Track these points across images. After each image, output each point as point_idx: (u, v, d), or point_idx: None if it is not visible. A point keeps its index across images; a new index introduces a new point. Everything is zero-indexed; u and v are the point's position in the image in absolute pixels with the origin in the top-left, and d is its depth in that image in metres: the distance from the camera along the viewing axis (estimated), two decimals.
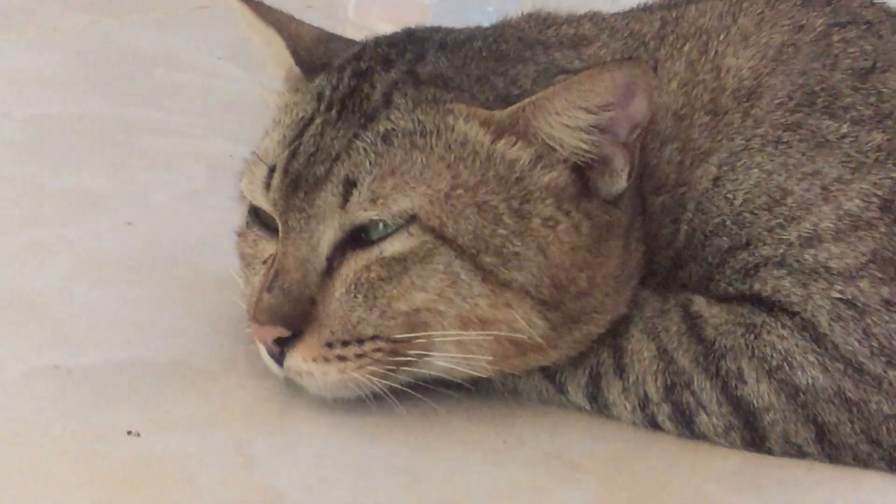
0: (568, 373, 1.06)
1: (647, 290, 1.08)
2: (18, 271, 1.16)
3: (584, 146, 1.01)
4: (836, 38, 1.11)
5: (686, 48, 1.12)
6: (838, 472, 1.03)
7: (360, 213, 0.99)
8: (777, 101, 1.08)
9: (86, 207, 1.27)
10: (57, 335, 1.09)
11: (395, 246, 0.99)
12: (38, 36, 1.64)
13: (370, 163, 0.99)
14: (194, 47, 1.65)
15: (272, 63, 1.12)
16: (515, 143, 1.01)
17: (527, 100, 1.00)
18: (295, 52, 1.10)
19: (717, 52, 1.11)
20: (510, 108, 1.00)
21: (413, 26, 1.13)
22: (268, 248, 1.03)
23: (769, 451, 1.04)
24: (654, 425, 1.05)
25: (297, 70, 1.10)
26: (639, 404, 1.05)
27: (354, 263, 0.99)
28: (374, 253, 0.99)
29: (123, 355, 1.08)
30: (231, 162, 1.09)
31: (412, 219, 0.98)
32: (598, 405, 1.06)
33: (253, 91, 1.15)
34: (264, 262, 1.03)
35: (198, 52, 1.62)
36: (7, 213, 1.25)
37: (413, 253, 0.99)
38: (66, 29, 1.66)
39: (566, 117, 1.00)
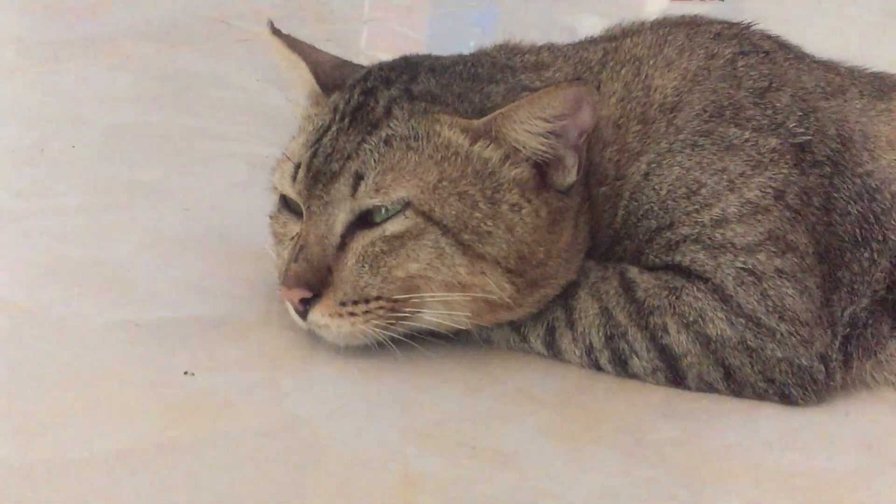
0: (530, 326, 1.07)
1: (591, 261, 1.09)
2: (100, 246, 1.18)
3: (542, 148, 1.02)
4: (740, 63, 1.12)
5: (623, 71, 1.13)
6: (741, 404, 1.05)
7: (367, 200, 1.00)
8: (694, 113, 1.09)
9: (152, 196, 1.29)
10: (129, 296, 1.10)
11: (394, 226, 1.00)
12: (116, 62, 1.64)
13: (374, 161, 1.01)
14: (238, 71, 1.65)
15: (298, 83, 1.12)
16: (488, 146, 1.02)
17: (497, 111, 1.01)
18: (316, 75, 1.11)
19: (647, 75, 1.12)
20: (484, 118, 1.02)
21: (409, 54, 1.14)
22: (294, 228, 1.04)
23: (687, 388, 1.05)
24: (597, 367, 1.06)
25: (317, 89, 1.10)
26: (585, 351, 1.06)
27: (362, 240, 1.01)
28: (377, 232, 1.00)
29: (182, 312, 1.09)
30: (266, 161, 1.10)
31: (407, 205, 1.00)
32: (553, 351, 1.07)
33: (283, 105, 1.15)
34: (291, 239, 1.04)
35: (241, 75, 1.63)
36: (91, 199, 1.27)
37: (408, 232, 1.00)
38: (138, 56, 1.67)
39: (528, 125, 1.01)
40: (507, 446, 0.96)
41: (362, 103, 1.04)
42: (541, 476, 0.93)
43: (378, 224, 1.00)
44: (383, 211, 1.00)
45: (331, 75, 1.10)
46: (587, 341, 1.06)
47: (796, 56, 1.17)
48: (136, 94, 1.54)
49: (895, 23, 2.43)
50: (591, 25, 1.23)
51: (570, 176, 1.04)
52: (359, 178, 1.00)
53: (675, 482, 0.94)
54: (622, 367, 1.05)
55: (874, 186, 1.08)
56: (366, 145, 1.01)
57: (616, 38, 1.18)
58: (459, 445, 0.95)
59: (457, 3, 2.32)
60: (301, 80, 1.12)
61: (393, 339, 1.02)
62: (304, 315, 1.01)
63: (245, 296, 1.12)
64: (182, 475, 0.88)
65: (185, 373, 0.99)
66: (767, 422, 1.03)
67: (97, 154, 1.37)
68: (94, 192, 1.28)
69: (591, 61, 1.14)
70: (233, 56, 1.69)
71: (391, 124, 1.02)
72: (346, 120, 1.03)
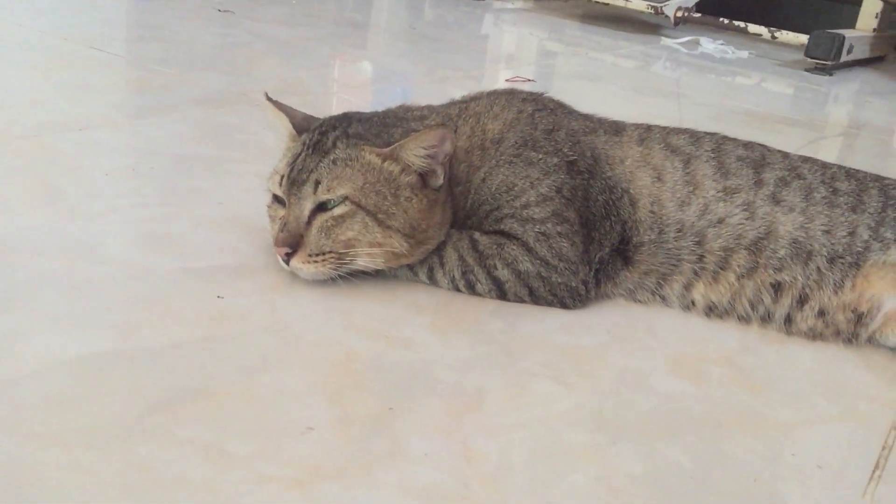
0: (418, 266, 1.08)
1: (454, 229, 1.10)
2: (168, 225, 1.17)
3: (423, 164, 1.04)
4: (537, 115, 1.14)
5: (470, 121, 1.14)
6: (539, 308, 1.08)
7: (322, 195, 1.01)
8: (510, 144, 1.11)
9: (199, 196, 1.27)
10: (184, 253, 1.09)
11: (338, 210, 1.01)
12: (179, 118, 1.63)
13: (326, 173, 1.01)
14: (252, 123, 1.64)
15: (283, 129, 1.12)
16: (392, 164, 1.03)
17: (397, 143, 1.03)
18: (293, 124, 1.10)
19: (484, 123, 1.13)
20: (390, 147, 1.03)
21: (347, 111, 1.14)
22: (281, 212, 1.04)
23: (508, 301, 1.08)
24: (457, 290, 1.08)
25: (294, 132, 1.10)
26: (450, 280, 1.08)
27: (320, 219, 1.01)
28: (328, 214, 1.01)
29: (216, 262, 1.09)
30: (266, 174, 1.10)
31: (346, 198, 1.01)
32: (432, 281, 1.09)
33: (275, 142, 1.16)
34: (280, 219, 1.04)
35: (253, 125, 1.62)
36: (164, 198, 1.26)
37: (347, 213, 1.01)
38: (192, 115, 1.66)
39: (415, 151, 1.03)
40: (406, 335, 0.98)
41: (319, 140, 1.05)
42: (424, 351, 0.96)
43: (329, 209, 1.01)
44: (332, 202, 1.01)
45: (301, 124, 1.11)
46: (451, 274, 1.08)
47: (569, 111, 1.20)
48: (190, 137, 1.53)
49: (637, 96, 2.48)
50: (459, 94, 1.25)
51: (440, 181, 1.06)
52: (317, 183, 1.01)
53: (501, 354, 0.97)
54: (471, 289, 1.08)
55: (611, 185, 1.11)
56: (321, 164, 1.02)
57: (466, 102, 1.19)
58: (378, 335, 0.97)
59: (387, 83, 2.33)
60: (285, 127, 1.12)
61: (340, 276, 1.03)
62: (287, 262, 1.02)
63: (254, 252, 1.11)
64: (216, 355, 0.89)
65: (218, 296, 1.00)
66: (553, 319, 1.06)
67: (168, 172, 1.36)
68: (165, 194, 1.27)
69: (452, 115, 1.15)
70: (248, 114, 1.68)
71: (336, 152, 1.03)
72: (310, 149, 1.04)
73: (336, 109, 1.16)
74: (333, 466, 0.75)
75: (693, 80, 2.90)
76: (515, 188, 1.08)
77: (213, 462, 0.73)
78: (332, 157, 1.02)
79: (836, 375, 1.03)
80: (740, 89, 2.88)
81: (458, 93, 1.26)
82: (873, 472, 0.85)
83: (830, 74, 3.13)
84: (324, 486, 0.72)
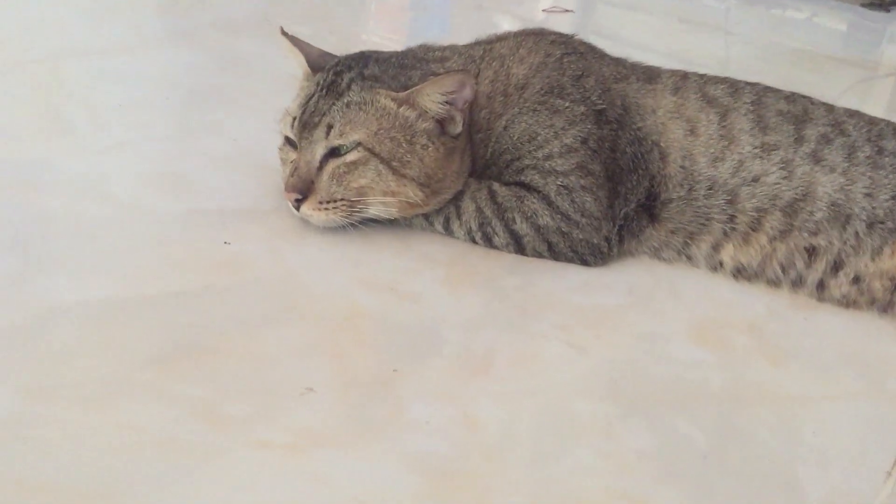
0: (434, 216, 1.05)
1: (472, 179, 1.06)
2: (177, 162, 1.15)
3: (441, 110, 0.99)
4: (565, 59, 1.08)
5: (494, 64, 1.08)
6: (557, 265, 1.04)
7: (335, 140, 0.98)
8: (535, 90, 1.06)
9: (213, 130, 1.24)
10: (193, 194, 1.07)
11: (351, 157, 0.98)
12: (197, 45, 1.59)
13: (340, 116, 0.98)
14: (273, 52, 1.58)
15: (298, 66, 1.08)
16: (409, 109, 0.99)
17: (414, 87, 0.98)
18: (308, 62, 1.06)
19: (508, 66, 1.08)
20: (407, 92, 0.99)
21: (365, 50, 1.09)
22: (292, 155, 1.01)
23: (526, 256, 1.04)
24: (474, 242, 1.05)
25: (308, 70, 1.06)
26: (466, 232, 1.04)
27: (332, 164, 0.98)
28: (341, 160, 0.98)
29: (225, 204, 1.06)
30: (280, 113, 1.06)
31: (359, 144, 0.97)
32: (447, 232, 1.05)
33: (291, 80, 1.11)
34: (291, 163, 1.01)
35: (274, 55, 1.56)
36: (174, 132, 1.24)
37: (360, 160, 0.98)
38: (211, 41, 1.62)
39: (433, 97, 0.99)
40: (416, 289, 0.95)
41: (333, 80, 1.01)
42: (434, 307, 0.93)
43: (342, 155, 0.98)
44: (345, 147, 0.97)
45: (316, 62, 1.06)
46: (468, 226, 1.04)
47: (600, 55, 1.13)
48: (210, 67, 1.49)
49: (681, 28, 2.37)
50: (505, 26, 1.18)
51: (458, 128, 1.01)
52: (330, 127, 0.97)
53: (515, 312, 0.95)
54: (488, 242, 1.04)
55: (641, 137, 1.06)
56: (335, 107, 0.98)
57: (491, 42, 1.13)
58: (387, 288, 0.94)
59: (425, 11, 2.26)
60: (300, 64, 1.07)
61: (351, 225, 1.00)
62: (297, 208, 0.99)
63: (265, 195, 1.08)
64: (217, 307, 0.87)
65: (225, 242, 0.97)
66: (573, 276, 1.03)
67: (183, 104, 1.33)
68: (178, 128, 1.25)
69: (475, 57, 1.09)
70: (271, 42, 1.61)
71: (350, 94, 0.99)
72: (324, 90, 1.00)
73: (365, 37, 1.10)
74: (330, 432, 0.73)
75: (741, 12, 2.76)
76: (538, 138, 1.03)
77: (207, 423, 0.71)
78: (345, 100, 0.98)
79: (866, 347, 0.98)
80: (790, 24, 2.74)
81: (490, 23, 1.19)
82: None
83: (888, 11, 2.96)
84: (319, 453, 0.70)
